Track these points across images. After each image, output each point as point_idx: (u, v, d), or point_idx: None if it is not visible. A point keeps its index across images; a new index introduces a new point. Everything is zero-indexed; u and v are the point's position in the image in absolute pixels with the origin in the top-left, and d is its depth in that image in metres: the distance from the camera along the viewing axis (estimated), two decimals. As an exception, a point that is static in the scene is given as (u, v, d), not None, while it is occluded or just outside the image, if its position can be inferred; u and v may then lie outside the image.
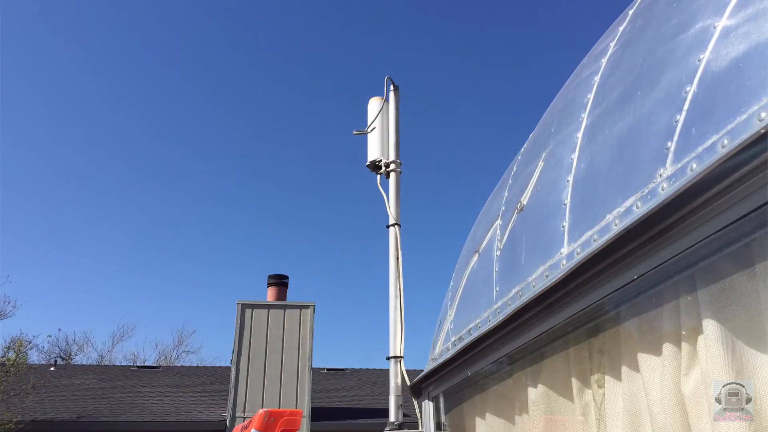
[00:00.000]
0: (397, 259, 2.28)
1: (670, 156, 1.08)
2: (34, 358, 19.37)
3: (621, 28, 1.56)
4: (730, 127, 0.95)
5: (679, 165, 1.05)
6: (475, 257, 2.11)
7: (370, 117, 3.21)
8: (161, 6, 32.78)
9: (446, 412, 2.34)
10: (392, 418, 2.83)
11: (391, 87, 3.31)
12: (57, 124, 34.67)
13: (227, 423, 10.61)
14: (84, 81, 34.39)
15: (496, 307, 1.71)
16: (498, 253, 1.83)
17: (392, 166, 3.05)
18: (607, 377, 1.40)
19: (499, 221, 1.92)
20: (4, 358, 13.53)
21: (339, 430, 12.86)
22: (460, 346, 1.92)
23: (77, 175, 35.44)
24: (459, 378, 2.09)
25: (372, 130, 3.13)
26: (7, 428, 11.47)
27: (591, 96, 1.51)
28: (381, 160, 3.03)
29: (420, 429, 2.43)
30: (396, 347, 2.86)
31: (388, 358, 2.88)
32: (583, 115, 1.50)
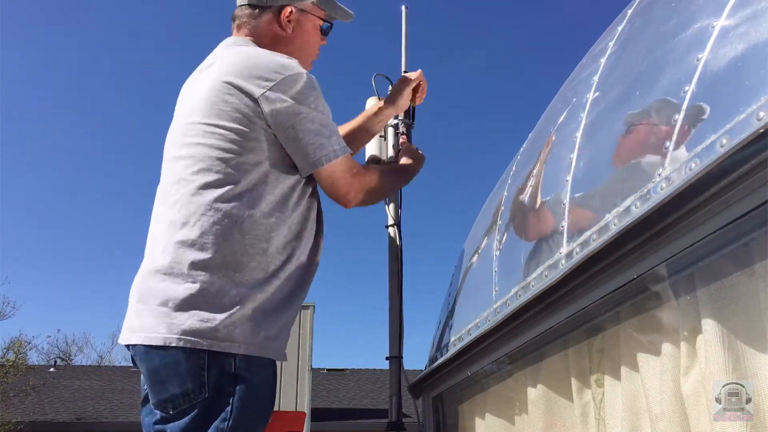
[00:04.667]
0: (397, 259, 2.28)
1: (669, 155, 1.08)
2: (34, 359, 19.38)
3: (620, 28, 1.56)
4: (728, 126, 0.95)
5: (678, 164, 1.05)
6: (475, 257, 2.12)
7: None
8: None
9: (446, 412, 2.34)
10: (392, 418, 2.82)
11: (390, 86, 3.29)
12: (58, 124, 34.69)
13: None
14: (90, 78, 34.40)
15: (495, 307, 1.71)
16: (497, 253, 1.84)
17: (391, 166, 3.04)
18: (606, 377, 1.40)
19: (498, 221, 1.92)
20: (4, 359, 13.54)
21: (339, 430, 12.86)
22: (459, 346, 1.92)
23: (78, 175, 35.47)
24: (459, 378, 2.09)
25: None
26: (7, 429, 11.47)
27: (590, 96, 1.51)
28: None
29: (420, 429, 2.43)
30: (395, 347, 2.85)
31: (388, 358, 2.87)
32: (582, 115, 1.50)
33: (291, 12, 1.74)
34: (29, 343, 15.96)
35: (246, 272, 1.44)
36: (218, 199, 1.46)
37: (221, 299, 1.40)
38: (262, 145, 1.51)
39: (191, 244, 1.43)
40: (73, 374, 16.33)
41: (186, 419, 1.37)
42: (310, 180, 1.62)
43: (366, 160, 2.38)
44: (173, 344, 1.37)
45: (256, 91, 1.49)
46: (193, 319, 1.38)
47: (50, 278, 38.90)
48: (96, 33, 36.72)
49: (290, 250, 1.53)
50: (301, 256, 1.57)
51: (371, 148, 2.44)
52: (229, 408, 1.36)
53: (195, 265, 1.42)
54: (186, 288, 1.40)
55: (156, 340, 1.39)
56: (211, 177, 1.47)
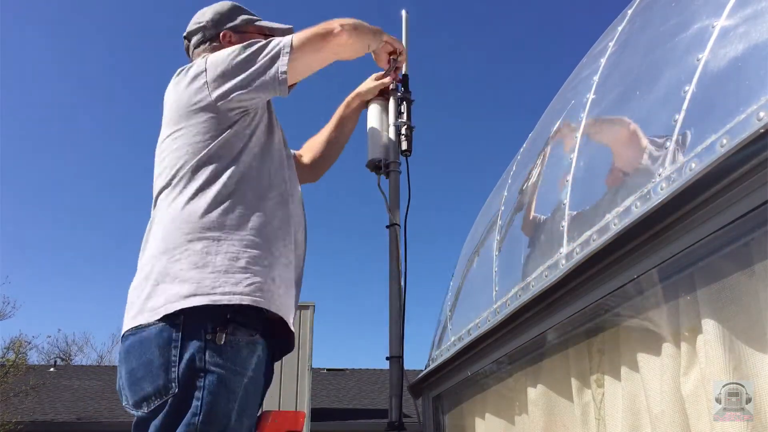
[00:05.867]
0: (397, 259, 2.28)
1: (669, 155, 1.08)
2: (34, 358, 19.33)
3: (620, 28, 1.56)
4: (729, 126, 0.95)
5: (678, 164, 1.05)
6: (475, 257, 2.12)
7: (370, 116, 3.19)
8: None
9: (446, 412, 2.34)
10: (392, 418, 2.82)
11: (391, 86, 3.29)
12: (60, 120, 34.72)
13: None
14: (91, 75, 34.40)
15: (495, 307, 1.71)
16: (497, 253, 1.84)
17: (392, 167, 3.04)
18: (606, 377, 1.40)
19: (498, 221, 1.93)
20: (4, 359, 13.53)
21: (339, 430, 12.86)
22: (459, 346, 1.92)
23: (78, 174, 35.50)
24: (459, 378, 2.09)
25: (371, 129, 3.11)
26: (7, 429, 11.47)
27: (590, 96, 1.51)
28: (381, 160, 3.02)
29: (420, 429, 2.43)
30: (395, 347, 2.85)
31: (388, 358, 2.87)
32: (582, 115, 1.50)
33: (230, 36, 1.86)
34: (29, 343, 15.94)
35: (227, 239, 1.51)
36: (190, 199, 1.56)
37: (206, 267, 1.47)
38: (228, 132, 1.61)
39: (163, 233, 1.54)
40: (73, 374, 16.30)
41: (160, 417, 1.41)
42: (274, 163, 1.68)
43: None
44: (151, 320, 1.44)
45: (201, 82, 1.66)
46: (163, 295, 1.45)
47: (51, 277, 38.90)
48: (99, 29, 36.78)
49: (267, 227, 1.58)
50: (278, 230, 1.61)
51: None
52: (198, 403, 1.39)
53: (185, 241, 1.51)
54: (157, 265, 1.50)
55: (135, 322, 1.48)
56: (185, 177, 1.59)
